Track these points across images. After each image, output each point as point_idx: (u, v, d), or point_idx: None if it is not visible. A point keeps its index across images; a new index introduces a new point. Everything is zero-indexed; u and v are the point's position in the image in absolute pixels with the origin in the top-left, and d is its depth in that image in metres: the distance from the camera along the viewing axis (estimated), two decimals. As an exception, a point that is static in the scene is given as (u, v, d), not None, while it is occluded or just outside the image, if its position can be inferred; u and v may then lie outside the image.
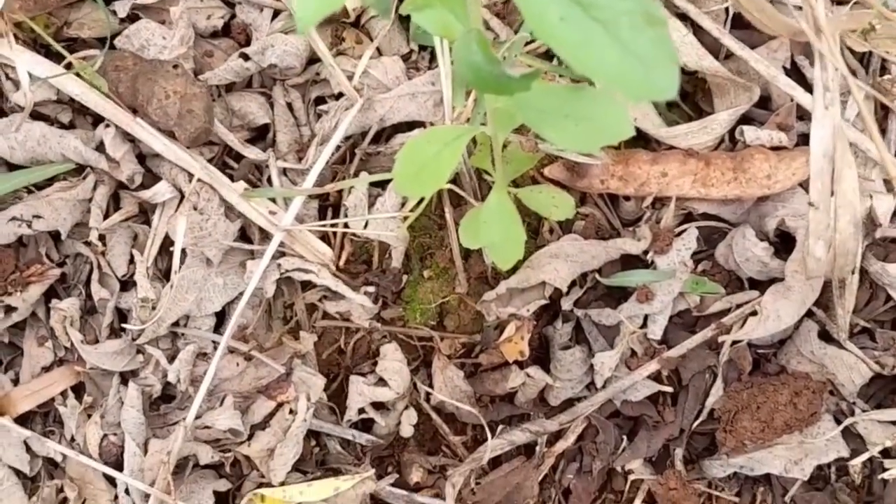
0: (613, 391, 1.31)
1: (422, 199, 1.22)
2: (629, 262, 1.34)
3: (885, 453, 1.32)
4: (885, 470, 1.29)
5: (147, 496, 1.17)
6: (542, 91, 0.94)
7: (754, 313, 1.29)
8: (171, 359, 1.20)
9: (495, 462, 1.34)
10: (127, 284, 1.25)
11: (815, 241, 1.13)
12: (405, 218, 1.23)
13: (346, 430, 1.29)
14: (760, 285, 1.32)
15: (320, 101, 1.30)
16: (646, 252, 1.32)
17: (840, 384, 1.31)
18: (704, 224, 1.36)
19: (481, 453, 1.30)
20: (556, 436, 1.35)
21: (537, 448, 1.33)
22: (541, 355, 1.36)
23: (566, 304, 1.33)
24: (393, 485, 1.31)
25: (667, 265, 1.31)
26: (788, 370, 1.32)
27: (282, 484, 1.22)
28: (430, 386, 1.31)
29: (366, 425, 1.32)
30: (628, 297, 1.32)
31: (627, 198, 1.34)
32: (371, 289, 1.25)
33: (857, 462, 1.28)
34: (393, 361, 1.25)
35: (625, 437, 1.36)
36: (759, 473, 1.34)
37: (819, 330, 1.32)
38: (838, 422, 1.31)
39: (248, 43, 1.28)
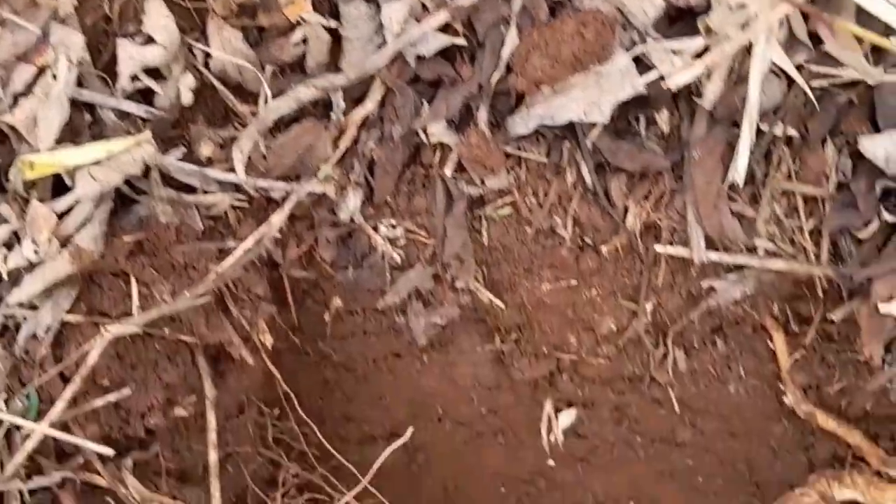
0: (403, 43, 1.27)
1: None
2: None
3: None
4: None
5: None
6: None
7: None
8: None
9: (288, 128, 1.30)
10: None
11: None
12: None
13: (123, 102, 1.23)
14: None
15: None
16: None
17: (630, 14, 1.27)
18: None
19: (267, 114, 1.25)
20: (355, 103, 1.31)
21: (332, 115, 1.29)
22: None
23: (351, -35, 1.27)
24: (182, 160, 1.26)
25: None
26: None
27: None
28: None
29: (147, 100, 1.27)
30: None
31: None
32: (126, -58, 1.17)
33: (642, 81, 1.25)
34: (158, 17, 1.19)
35: (425, 102, 1.32)
36: (560, 123, 1.31)
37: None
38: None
39: None
